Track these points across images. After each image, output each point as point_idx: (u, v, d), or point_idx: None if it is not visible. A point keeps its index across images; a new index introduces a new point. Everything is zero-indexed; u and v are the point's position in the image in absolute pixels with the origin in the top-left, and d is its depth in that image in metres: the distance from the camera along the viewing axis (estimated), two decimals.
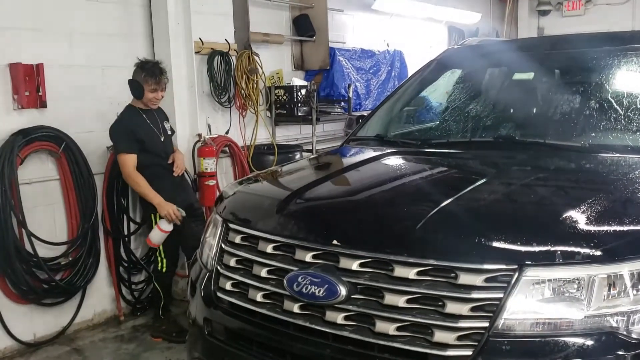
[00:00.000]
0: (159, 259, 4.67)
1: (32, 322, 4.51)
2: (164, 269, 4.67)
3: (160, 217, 4.45)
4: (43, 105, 4.39)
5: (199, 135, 5.32)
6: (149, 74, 4.38)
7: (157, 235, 4.47)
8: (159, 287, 4.75)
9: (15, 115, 4.31)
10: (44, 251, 4.41)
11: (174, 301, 5.33)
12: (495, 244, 2.02)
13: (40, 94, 4.35)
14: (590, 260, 1.95)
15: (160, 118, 4.62)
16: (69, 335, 4.72)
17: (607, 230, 2.06)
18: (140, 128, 4.43)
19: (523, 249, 1.99)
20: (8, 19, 4.27)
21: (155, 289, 4.77)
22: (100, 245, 4.87)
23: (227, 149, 5.67)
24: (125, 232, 5.06)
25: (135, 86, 4.41)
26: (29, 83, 4.29)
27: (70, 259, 4.60)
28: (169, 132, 4.68)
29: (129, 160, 4.37)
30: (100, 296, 4.98)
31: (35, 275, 4.36)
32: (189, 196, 4.80)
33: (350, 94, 6.98)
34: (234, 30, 5.76)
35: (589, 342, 1.92)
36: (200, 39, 5.31)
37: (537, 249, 1.98)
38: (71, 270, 4.61)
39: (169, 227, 4.44)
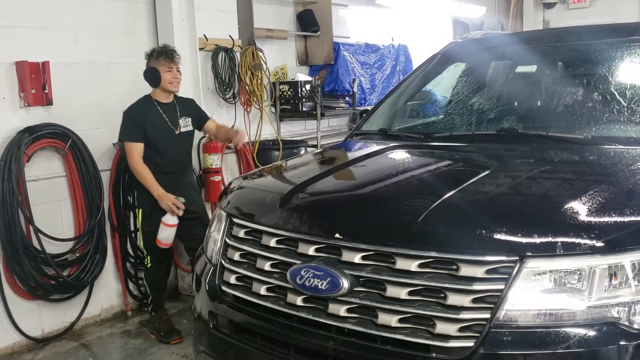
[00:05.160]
0: (144, 254, 4.65)
1: (40, 318, 4.55)
2: (149, 265, 4.63)
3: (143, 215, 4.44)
4: (49, 102, 4.42)
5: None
6: (160, 53, 4.33)
7: (164, 232, 4.41)
8: (146, 284, 4.79)
9: (21, 112, 4.35)
10: (51, 247, 4.44)
11: (180, 296, 5.38)
12: (497, 236, 2.03)
13: (46, 91, 4.38)
14: (591, 251, 1.95)
15: (181, 112, 4.51)
16: (76, 331, 4.76)
17: (608, 221, 2.06)
18: (147, 118, 4.35)
19: (524, 240, 2.00)
20: (14, 17, 4.30)
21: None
22: (107, 241, 4.90)
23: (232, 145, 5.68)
24: (132, 228, 5.08)
25: (152, 73, 4.35)
26: (35, 81, 4.32)
27: (77, 255, 4.64)
28: (185, 129, 4.52)
29: (134, 149, 4.32)
30: (107, 292, 5.02)
31: (42, 272, 4.40)
32: (186, 199, 4.51)
33: (355, 89, 6.97)
34: (238, 26, 5.77)
35: (591, 333, 1.92)
36: (204, 35, 5.33)
37: (538, 240, 1.98)
38: (78, 266, 4.64)
39: (174, 221, 4.38)
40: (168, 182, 4.44)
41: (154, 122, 4.38)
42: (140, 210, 4.52)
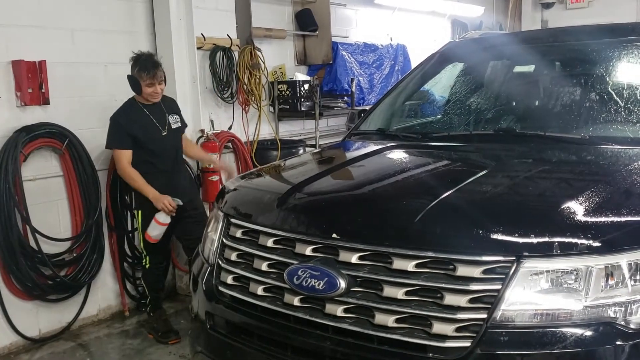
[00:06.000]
0: (143, 255, 4.62)
1: (37, 318, 4.54)
2: (147, 265, 4.59)
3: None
4: (46, 102, 4.41)
5: (202, 130, 5.34)
6: (142, 68, 4.22)
7: (156, 229, 4.37)
8: (144, 284, 4.77)
9: (18, 112, 4.34)
10: (48, 247, 4.43)
11: (178, 296, 5.37)
12: (493, 236, 2.03)
13: (43, 90, 4.37)
14: (588, 251, 1.95)
15: (168, 110, 4.46)
16: (73, 331, 4.75)
17: (605, 221, 2.06)
18: (134, 123, 4.29)
19: (521, 240, 2.00)
20: (11, 16, 4.29)
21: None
22: (105, 241, 4.89)
23: (230, 144, 5.69)
24: (129, 228, 5.07)
25: (133, 82, 4.29)
26: (32, 80, 4.31)
27: (74, 255, 4.63)
28: (175, 125, 4.49)
29: (123, 156, 4.28)
30: (104, 292, 5.01)
31: (39, 272, 4.39)
32: (183, 198, 4.46)
33: (354, 89, 6.95)
34: (236, 26, 5.77)
35: (587, 333, 1.92)
36: (202, 34, 5.32)
37: (535, 240, 1.98)
38: (75, 266, 4.63)
39: (166, 220, 4.33)
40: (166, 181, 4.41)
41: (142, 124, 4.32)
42: (140, 211, 4.47)
